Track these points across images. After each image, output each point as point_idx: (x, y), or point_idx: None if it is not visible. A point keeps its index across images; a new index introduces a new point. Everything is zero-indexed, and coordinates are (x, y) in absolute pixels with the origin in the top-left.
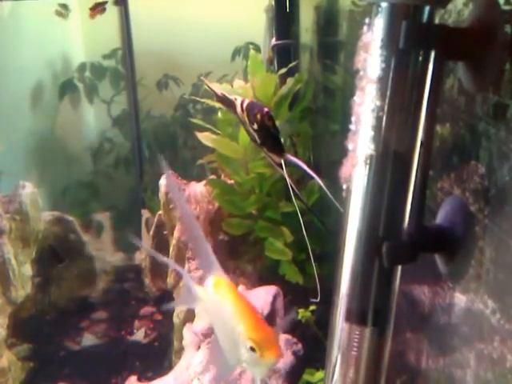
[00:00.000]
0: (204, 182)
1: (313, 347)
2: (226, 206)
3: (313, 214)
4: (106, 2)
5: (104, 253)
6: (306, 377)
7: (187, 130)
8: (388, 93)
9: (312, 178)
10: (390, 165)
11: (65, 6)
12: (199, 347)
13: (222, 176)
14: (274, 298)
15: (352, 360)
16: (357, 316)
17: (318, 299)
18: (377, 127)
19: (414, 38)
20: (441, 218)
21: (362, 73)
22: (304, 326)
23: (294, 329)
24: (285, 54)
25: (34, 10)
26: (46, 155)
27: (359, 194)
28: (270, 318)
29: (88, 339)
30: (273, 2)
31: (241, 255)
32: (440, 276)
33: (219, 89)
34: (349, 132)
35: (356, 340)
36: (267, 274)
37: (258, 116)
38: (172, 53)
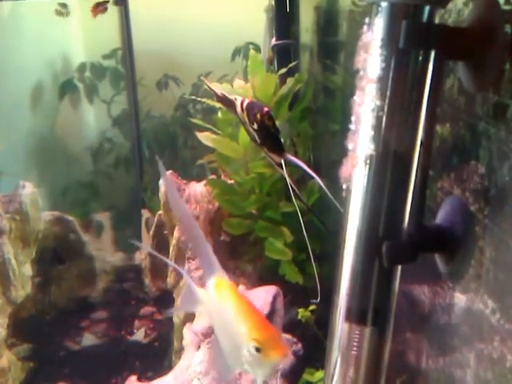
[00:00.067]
0: (204, 182)
1: (313, 347)
2: (226, 206)
3: (313, 214)
4: (107, 1)
5: (104, 253)
6: (305, 376)
7: (187, 129)
8: (388, 93)
9: (312, 177)
10: (389, 165)
11: (65, 6)
12: (199, 347)
13: (222, 176)
14: (274, 297)
15: (352, 360)
16: (357, 316)
17: (318, 299)
18: (377, 127)
19: (413, 38)
20: (441, 217)
21: (361, 73)
22: (304, 326)
23: (294, 329)
24: (285, 54)
25: (34, 10)
26: (46, 155)
27: (359, 193)
28: (270, 318)
29: (88, 339)
30: (273, 2)
31: (241, 255)
32: (440, 276)
33: (219, 89)
34: (349, 132)
35: (356, 340)
36: (267, 274)
37: (258, 116)
38: (172, 53)
